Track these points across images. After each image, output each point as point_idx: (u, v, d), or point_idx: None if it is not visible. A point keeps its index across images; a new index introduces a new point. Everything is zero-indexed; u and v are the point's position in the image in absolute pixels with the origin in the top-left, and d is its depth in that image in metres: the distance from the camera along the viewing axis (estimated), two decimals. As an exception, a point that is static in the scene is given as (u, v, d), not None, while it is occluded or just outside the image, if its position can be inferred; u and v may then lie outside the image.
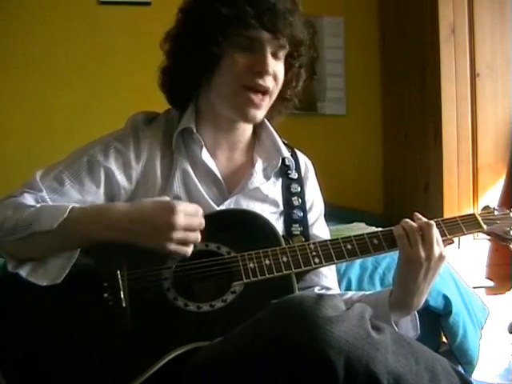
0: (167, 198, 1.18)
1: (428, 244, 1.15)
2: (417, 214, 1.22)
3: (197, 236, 1.13)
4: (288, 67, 1.28)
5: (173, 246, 1.11)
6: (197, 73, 1.25)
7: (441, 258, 1.16)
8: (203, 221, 1.14)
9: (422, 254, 1.15)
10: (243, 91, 1.21)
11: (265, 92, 1.23)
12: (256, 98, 1.22)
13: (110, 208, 1.16)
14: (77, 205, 1.17)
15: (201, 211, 1.14)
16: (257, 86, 1.21)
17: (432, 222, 1.19)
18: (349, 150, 2.92)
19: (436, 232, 1.17)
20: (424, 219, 1.20)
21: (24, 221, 1.13)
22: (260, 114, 1.25)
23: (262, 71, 1.20)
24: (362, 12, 2.92)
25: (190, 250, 1.13)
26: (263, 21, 1.18)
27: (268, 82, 1.22)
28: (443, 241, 1.20)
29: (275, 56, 1.23)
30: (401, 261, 1.18)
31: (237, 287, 1.14)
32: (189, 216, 1.12)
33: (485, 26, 2.42)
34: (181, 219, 1.10)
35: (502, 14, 2.44)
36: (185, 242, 1.12)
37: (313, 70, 2.88)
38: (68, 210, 1.13)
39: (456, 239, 2.41)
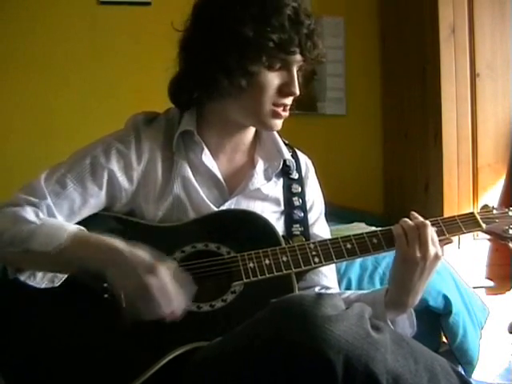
0: (164, 262, 1.10)
1: (423, 244, 1.16)
2: (413, 213, 1.22)
3: (162, 310, 1.06)
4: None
5: (134, 300, 1.06)
6: (217, 84, 1.21)
7: (436, 257, 1.16)
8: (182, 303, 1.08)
9: (418, 253, 1.15)
10: (272, 107, 1.23)
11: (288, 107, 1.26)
12: (284, 113, 1.25)
13: (108, 244, 1.11)
14: (75, 228, 1.15)
15: (182, 305, 1.08)
16: (284, 105, 1.24)
17: (427, 221, 1.19)
18: (349, 150, 2.92)
19: (431, 231, 1.17)
20: (420, 218, 1.20)
21: (21, 237, 1.12)
22: (281, 123, 1.28)
23: (292, 93, 1.23)
24: (362, 12, 2.92)
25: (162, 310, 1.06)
26: (304, 47, 1.20)
27: (291, 99, 1.26)
28: (441, 240, 1.21)
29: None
30: (397, 260, 1.19)
31: (237, 287, 1.15)
32: (165, 293, 1.06)
33: (485, 25, 2.42)
34: (155, 285, 1.05)
35: (502, 14, 2.44)
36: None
37: (313, 70, 2.88)
38: (66, 235, 1.12)
39: (456, 239, 2.43)
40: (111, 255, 1.09)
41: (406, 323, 1.23)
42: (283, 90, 1.22)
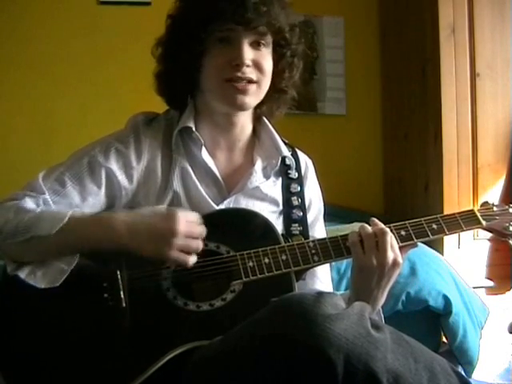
0: (164, 207, 1.19)
1: (382, 251, 1.15)
2: (374, 219, 1.21)
3: (198, 243, 1.14)
4: (278, 57, 1.29)
5: (175, 254, 1.11)
6: (187, 73, 1.26)
7: (395, 264, 1.16)
8: (204, 229, 1.14)
9: (375, 261, 1.14)
10: (226, 83, 1.23)
11: (249, 81, 1.24)
12: (239, 84, 1.23)
13: (110, 218, 1.16)
14: (78, 211, 1.17)
15: (200, 220, 1.15)
16: (236, 78, 1.23)
17: (387, 228, 1.18)
18: (349, 150, 2.93)
19: (391, 238, 1.16)
20: (380, 225, 1.19)
21: (24, 224, 1.13)
22: (248, 100, 1.25)
23: (239, 63, 1.22)
24: (361, 12, 2.92)
25: (191, 258, 1.13)
26: (234, 14, 1.19)
27: (248, 73, 1.23)
28: (408, 245, 1.21)
29: (256, 45, 1.24)
30: (354, 268, 1.19)
31: (236, 286, 1.15)
32: (190, 223, 1.13)
33: (485, 26, 2.42)
34: (182, 226, 1.11)
35: (502, 14, 2.44)
36: (186, 250, 1.12)
37: (313, 70, 2.89)
38: (67, 216, 1.14)
39: (456, 239, 2.43)
40: (126, 230, 1.12)
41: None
42: (231, 62, 1.22)
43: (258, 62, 1.24)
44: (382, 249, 1.15)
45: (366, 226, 1.19)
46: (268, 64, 1.26)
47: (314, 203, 1.40)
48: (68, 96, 2.66)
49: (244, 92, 1.23)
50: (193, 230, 1.13)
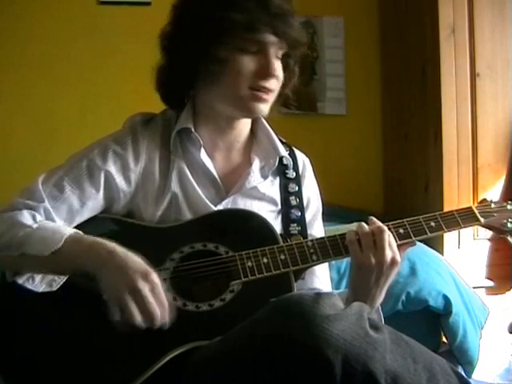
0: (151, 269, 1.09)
1: (380, 249, 1.15)
2: (372, 218, 1.21)
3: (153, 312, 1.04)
4: (285, 66, 1.28)
5: (125, 304, 1.04)
6: (198, 74, 1.24)
7: (393, 262, 1.15)
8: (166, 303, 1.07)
9: (373, 260, 1.14)
10: (249, 91, 1.22)
11: (269, 90, 1.24)
12: (263, 94, 1.23)
13: (101, 244, 1.11)
14: (71, 231, 1.15)
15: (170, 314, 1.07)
16: (263, 88, 1.22)
17: (384, 226, 1.18)
18: (349, 149, 2.93)
19: (389, 236, 1.16)
20: (378, 223, 1.19)
21: (18, 240, 1.12)
22: (266, 108, 1.26)
23: (269, 75, 1.22)
24: (361, 12, 2.92)
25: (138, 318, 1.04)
26: (274, 26, 1.19)
27: (272, 83, 1.23)
28: (405, 244, 1.20)
29: (276, 57, 1.24)
30: (352, 266, 1.18)
31: (235, 286, 1.14)
32: (156, 293, 1.05)
33: (485, 26, 2.41)
34: (145, 289, 1.04)
35: (502, 14, 2.44)
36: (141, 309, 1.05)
37: (313, 70, 2.89)
38: (63, 240, 1.11)
39: (456, 239, 2.43)
40: (106, 257, 1.08)
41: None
42: (260, 73, 1.21)
43: (278, 74, 1.24)
44: (380, 247, 1.15)
45: (364, 224, 1.19)
46: (282, 74, 1.26)
47: (313, 202, 1.40)
48: (68, 96, 2.66)
49: (264, 101, 1.24)
50: (150, 302, 1.04)
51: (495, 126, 2.45)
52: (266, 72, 1.21)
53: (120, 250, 1.09)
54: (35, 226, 1.15)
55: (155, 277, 1.06)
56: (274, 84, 1.24)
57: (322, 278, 1.35)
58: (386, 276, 1.16)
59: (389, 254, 1.15)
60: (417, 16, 2.60)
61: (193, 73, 1.24)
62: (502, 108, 2.45)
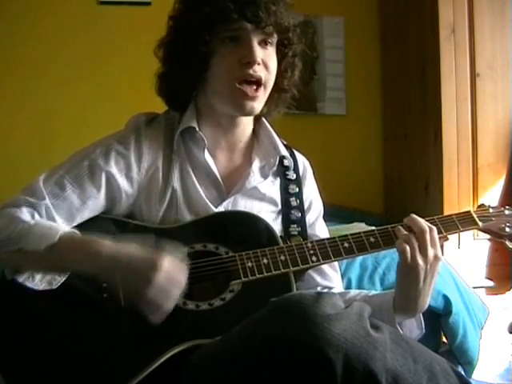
0: (152, 255, 1.09)
1: (423, 250, 1.15)
2: (413, 215, 1.20)
3: (173, 299, 1.07)
4: (281, 57, 1.29)
5: (146, 300, 1.06)
6: (191, 75, 1.26)
7: (436, 259, 1.16)
8: (184, 280, 1.09)
9: (421, 261, 1.15)
10: (236, 85, 1.22)
11: (258, 83, 1.23)
12: (250, 90, 1.23)
13: (98, 242, 1.12)
14: (68, 230, 1.15)
15: (185, 271, 1.09)
16: (248, 76, 1.22)
17: (426, 227, 1.17)
18: (349, 149, 2.93)
19: (429, 236, 1.16)
20: (419, 224, 1.18)
21: (16, 235, 1.13)
22: (257, 106, 1.25)
23: (250, 61, 1.21)
24: (362, 12, 2.92)
25: (162, 309, 1.07)
26: (244, 13, 1.19)
27: (258, 71, 1.23)
28: (440, 238, 1.20)
29: (263, 45, 1.24)
30: (401, 272, 1.18)
31: (235, 286, 1.15)
32: (170, 277, 1.07)
33: (485, 26, 2.41)
34: (160, 278, 1.06)
35: (502, 14, 2.44)
36: (158, 301, 1.07)
37: (313, 70, 2.89)
38: (58, 235, 1.12)
39: (456, 239, 2.43)
40: (106, 257, 1.09)
41: (413, 325, 1.23)
42: (243, 61, 1.21)
43: (265, 61, 1.24)
44: (424, 248, 1.15)
45: (401, 228, 1.18)
46: (274, 63, 1.26)
47: (315, 204, 1.40)
48: (68, 96, 2.66)
49: (253, 98, 1.23)
50: (169, 288, 1.07)
51: (495, 126, 2.45)
52: (247, 58, 1.21)
53: (116, 246, 1.10)
54: (32, 222, 1.15)
55: (162, 262, 1.06)
56: (261, 71, 1.23)
57: (331, 275, 1.36)
58: (431, 273, 1.16)
59: (431, 251, 1.16)
60: (417, 16, 2.61)
61: (190, 74, 1.25)
62: (502, 108, 2.45)
